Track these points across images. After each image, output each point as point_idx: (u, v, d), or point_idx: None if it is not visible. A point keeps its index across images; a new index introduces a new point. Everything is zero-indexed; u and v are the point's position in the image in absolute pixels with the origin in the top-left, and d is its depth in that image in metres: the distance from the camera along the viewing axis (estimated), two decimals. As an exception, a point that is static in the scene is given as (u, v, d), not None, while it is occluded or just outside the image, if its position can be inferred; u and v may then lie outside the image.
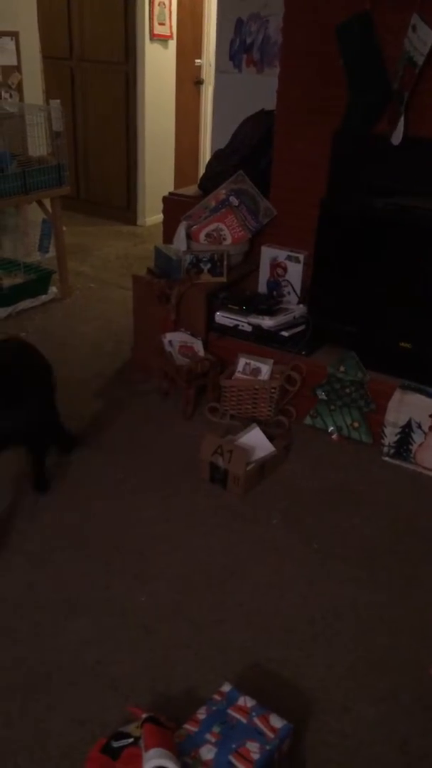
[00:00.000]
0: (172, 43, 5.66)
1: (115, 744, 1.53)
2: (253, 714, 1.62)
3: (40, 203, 4.25)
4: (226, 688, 1.69)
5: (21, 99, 4.47)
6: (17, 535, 2.42)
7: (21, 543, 2.38)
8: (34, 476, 2.66)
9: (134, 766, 1.45)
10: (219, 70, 3.96)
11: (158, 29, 5.44)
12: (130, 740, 1.53)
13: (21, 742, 1.72)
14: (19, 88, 4.45)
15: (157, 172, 5.93)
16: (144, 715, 1.59)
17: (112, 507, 2.59)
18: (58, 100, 4.09)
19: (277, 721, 1.60)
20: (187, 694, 1.85)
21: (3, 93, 4.36)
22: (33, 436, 2.58)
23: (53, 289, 4.44)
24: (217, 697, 1.67)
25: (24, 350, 2.62)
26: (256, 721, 1.60)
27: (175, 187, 5.79)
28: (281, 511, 2.60)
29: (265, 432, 2.83)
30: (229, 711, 1.62)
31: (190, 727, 1.58)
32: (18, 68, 4.40)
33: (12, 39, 4.30)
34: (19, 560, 2.31)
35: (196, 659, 1.97)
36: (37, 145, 4.21)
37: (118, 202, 6.07)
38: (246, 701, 1.65)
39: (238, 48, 3.81)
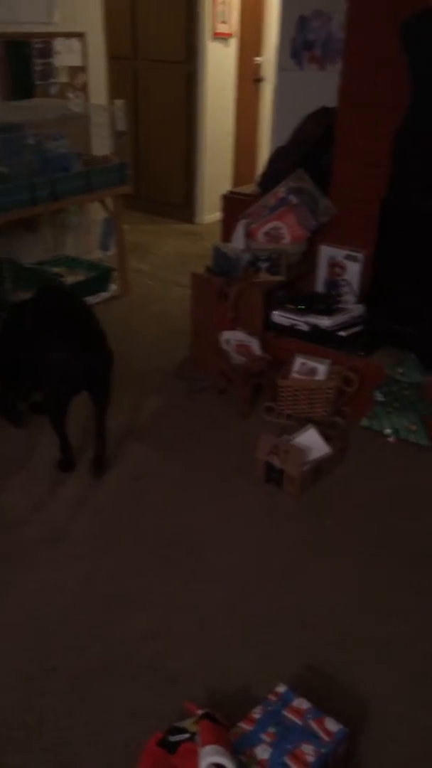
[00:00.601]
0: (233, 42, 5.66)
1: (172, 738, 1.56)
2: (309, 716, 1.62)
3: (102, 202, 4.33)
4: (282, 688, 1.70)
5: (86, 99, 4.55)
6: (77, 527, 2.48)
7: (82, 535, 2.44)
8: (96, 446, 2.76)
9: (190, 762, 1.47)
10: (280, 68, 3.95)
11: (220, 28, 5.46)
12: (187, 735, 1.56)
13: (80, 731, 1.77)
14: (85, 88, 4.52)
15: (216, 170, 5.95)
16: (200, 712, 1.62)
17: (169, 503, 2.63)
18: (122, 100, 4.15)
19: (332, 725, 1.61)
20: (242, 693, 1.87)
21: (69, 93, 4.44)
22: (103, 378, 2.69)
23: (113, 287, 4.51)
24: (272, 697, 1.68)
25: (75, 295, 2.85)
26: (312, 723, 1.60)
27: (233, 185, 5.80)
28: (337, 513, 2.59)
29: (321, 433, 2.82)
30: (285, 712, 1.63)
31: (245, 726, 1.60)
32: (84, 69, 4.48)
33: (79, 40, 4.37)
34: (79, 552, 2.37)
35: (250, 658, 1.99)
36: (101, 145, 4.28)
37: (177, 200, 6.11)
38: (301, 703, 1.66)
39: (300, 45, 3.79)
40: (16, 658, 1.97)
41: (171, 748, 1.54)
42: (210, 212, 5.97)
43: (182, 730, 1.57)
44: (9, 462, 2.83)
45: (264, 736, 1.57)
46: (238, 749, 1.53)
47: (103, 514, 2.56)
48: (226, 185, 5.74)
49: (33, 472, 2.77)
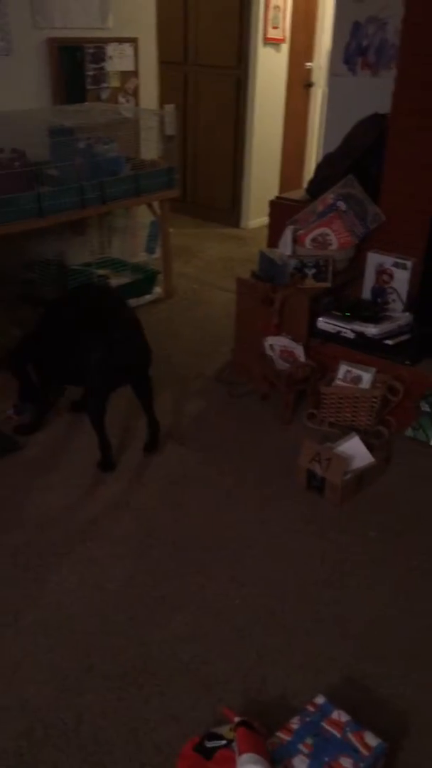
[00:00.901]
0: (285, 47, 5.66)
1: (209, 744, 1.55)
2: (348, 729, 1.59)
3: (150, 205, 4.36)
4: (320, 700, 1.68)
5: (137, 103, 4.59)
6: (115, 527, 2.49)
7: (120, 536, 2.45)
8: (149, 431, 2.90)
9: (227, 768, 1.46)
10: (333, 73, 3.92)
11: (271, 33, 5.46)
12: (223, 742, 1.54)
13: (116, 731, 1.78)
14: (136, 93, 4.57)
15: (263, 175, 5.94)
16: (237, 719, 1.60)
17: (208, 507, 2.62)
18: (173, 105, 4.18)
19: (372, 740, 1.58)
20: (279, 702, 1.85)
21: (120, 98, 4.49)
22: (142, 372, 2.79)
23: (157, 290, 4.54)
24: (310, 708, 1.66)
25: (112, 291, 2.97)
26: (351, 737, 1.58)
27: (280, 190, 5.79)
28: (379, 523, 2.55)
29: (364, 441, 2.78)
30: (323, 724, 1.61)
31: (283, 736, 1.58)
32: (135, 74, 4.52)
33: (131, 45, 4.42)
34: (118, 552, 2.38)
35: (288, 667, 1.97)
36: (150, 149, 4.32)
37: (223, 204, 6.13)
38: (340, 715, 1.63)
39: (353, 51, 3.76)
40: (53, 655, 1.98)
41: (207, 753, 1.53)
42: (256, 217, 5.97)
43: (219, 737, 1.56)
44: (49, 460, 2.86)
45: (302, 747, 1.55)
46: (276, 759, 1.51)
47: (141, 515, 2.57)
48: (272, 190, 5.73)
49: (73, 471, 2.79)
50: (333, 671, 1.96)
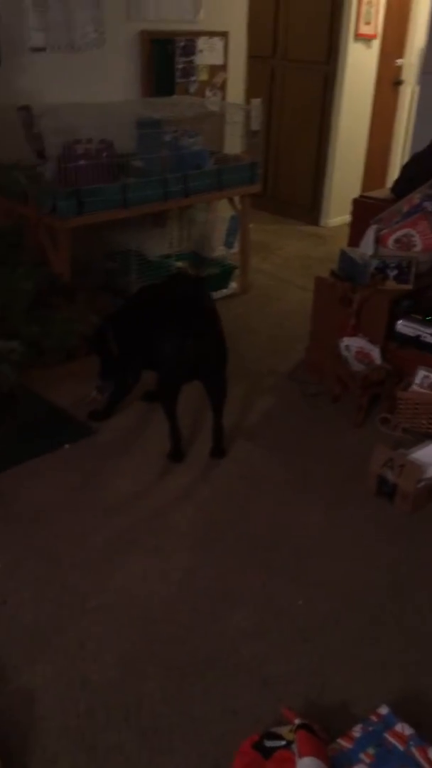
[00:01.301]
0: (376, 43, 5.55)
1: (268, 743, 1.54)
2: (411, 743, 1.56)
3: (231, 200, 4.36)
4: (384, 710, 1.65)
5: (223, 97, 4.60)
6: (182, 518, 2.51)
7: (186, 528, 2.47)
8: (214, 437, 2.85)
9: (287, 770, 1.45)
10: (425, 72, 3.83)
11: (363, 29, 5.36)
12: (283, 743, 1.54)
13: (176, 719, 1.79)
14: (223, 86, 4.57)
15: (345, 173, 5.85)
16: (298, 721, 1.59)
17: (274, 505, 2.61)
18: (260, 100, 4.16)
19: (436, 756, 1.54)
20: (340, 708, 1.83)
21: (207, 91, 4.50)
22: (216, 370, 2.76)
23: (233, 285, 4.54)
24: (373, 718, 1.63)
25: (201, 286, 2.99)
26: (414, 751, 1.54)
27: (362, 189, 5.69)
28: (451, 535, 2.49)
29: (439, 450, 2.71)
30: (386, 735, 1.58)
31: (344, 743, 1.56)
32: (224, 67, 4.52)
33: (221, 39, 4.43)
34: (183, 544, 2.40)
35: (351, 674, 1.94)
36: (234, 143, 4.31)
37: (303, 201, 6.07)
38: (404, 728, 1.60)
39: (450, 48, 3.66)
40: (117, 639, 2.02)
41: (266, 752, 1.52)
42: (336, 215, 5.89)
43: (279, 737, 1.56)
44: (120, 447, 2.91)
45: (363, 756, 1.53)
46: (335, 766, 1.50)
47: (207, 509, 2.58)
48: (355, 189, 5.64)
49: (143, 460, 2.83)
50: (397, 682, 1.92)
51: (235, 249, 4.59)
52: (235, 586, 2.23)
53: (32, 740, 1.73)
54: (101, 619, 2.08)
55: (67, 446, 2.87)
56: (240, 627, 2.08)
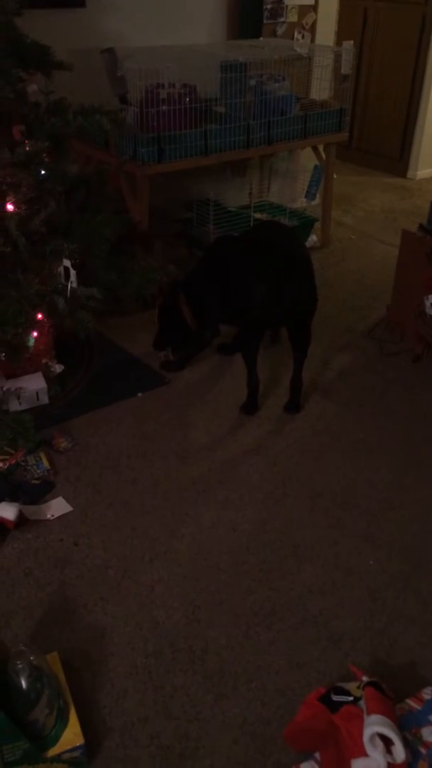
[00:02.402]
0: None
1: (335, 698, 1.53)
2: None
3: (315, 149, 4.21)
4: (456, 676, 1.60)
5: (313, 40, 4.40)
6: (255, 471, 2.50)
7: (257, 481, 2.46)
8: (292, 389, 2.85)
9: (354, 725, 1.44)
10: None
11: (467, -36, 4.99)
12: (350, 698, 1.52)
13: (241, 667, 1.81)
14: (312, 28, 4.37)
15: (438, 123, 5.55)
16: (365, 678, 1.57)
17: (347, 463, 2.56)
18: (351, 42, 3.96)
19: None
20: (408, 669, 1.80)
21: (296, 33, 4.32)
22: (303, 317, 2.75)
23: (313, 237, 4.42)
24: (444, 682, 1.59)
25: (294, 234, 3.04)
26: None
27: (456, 140, 5.39)
28: None
29: None
30: (457, 700, 1.54)
31: (413, 704, 1.53)
32: (314, 8, 4.32)
33: (313, -23, 4.22)
34: (254, 496, 2.39)
35: (420, 636, 1.90)
36: (321, 88, 4.14)
37: (391, 152, 5.80)
38: None
39: None
40: (186, 584, 2.04)
41: (333, 706, 1.51)
42: (426, 167, 5.62)
43: (346, 692, 1.54)
44: (195, 399, 2.91)
45: (432, 719, 1.50)
46: (403, 726, 1.48)
47: (279, 463, 2.55)
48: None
49: (216, 412, 2.82)
50: (468, 649, 1.87)
51: (317, 201, 4.45)
52: (304, 542, 2.21)
53: (102, 676, 1.78)
54: (170, 565, 2.11)
55: (140, 395, 2.89)
56: (308, 582, 2.06)
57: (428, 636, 1.90)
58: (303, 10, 4.29)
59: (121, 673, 1.79)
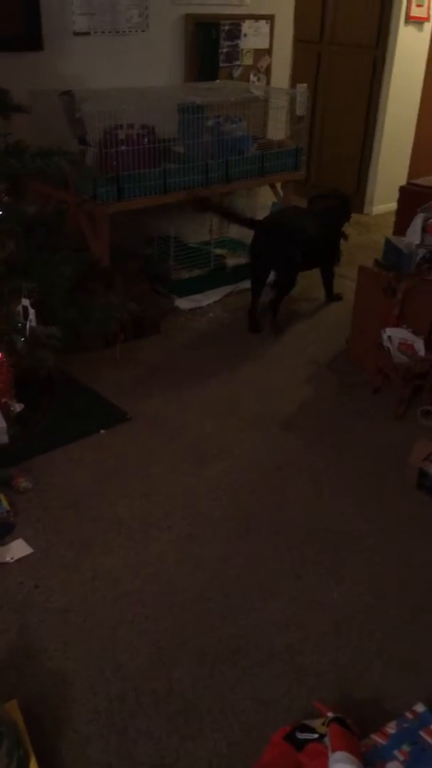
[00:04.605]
0: (428, 26, 5.39)
1: (300, 736, 1.52)
2: (447, 743, 1.52)
3: (273, 186, 4.30)
4: (420, 708, 1.61)
5: (268, 82, 4.53)
6: (218, 507, 2.49)
7: (220, 517, 2.45)
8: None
9: (319, 763, 1.42)
10: None
11: (415, 11, 5.20)
12: (315, 736, 1.51)
13: (206, 707, 1.78)
14: (268, 71, 4.51)
15: (392, 160, 5.72)
16: (330, 714, 1.56)
17: (310, 496, 2.57)
18: (305, 85, 4.08)
19: (473, 758, 1.49)
20: (373, 704, 1.79)
21: (252, 76, 4.44)
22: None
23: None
24: (409, 715, 1.59)
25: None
26: (450, 751, 1.50)
27: (409, 176, 5.56)
28: None
29: None
30: (421, 733, 1.54)
31: (378, 739, 1.53)
32: (269, 52, 4.46)
33: (267, 23, 4.36)
34: (218, 533, 2.38)
35: (385, 669, 1.90)
36: (277, 129, 4.25)
37: (348, 189, 5.94)
38: (440, 727, 1.56)
39: None
40: (149, 624, 2.01)
41: (298, 744, 1.50)
42: (380, 203, 5.77)
43: (311, 729, 1.53)
44: (156, 436, 2.90)
45: (397, 753, 1.49)
46: (368, 761, 1.47)
47: (242, 498, 2.55)
48: (402, 176, 5.51)
49: (178, 448, 2.81)
50: (431, 680, 1.88)
51: (277, 237, 4.52)
52: (268, 577, 2.20)
53: (64, 723, 1.73)
54: (134, 605, 2.08)
55: (102, 432, 2.88)
56: (273, 618, 2.05)
57: (392, 669, 1.90)
58: (258, 53, 4.43)
59: (84, 719, 1.75)
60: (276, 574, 2.21)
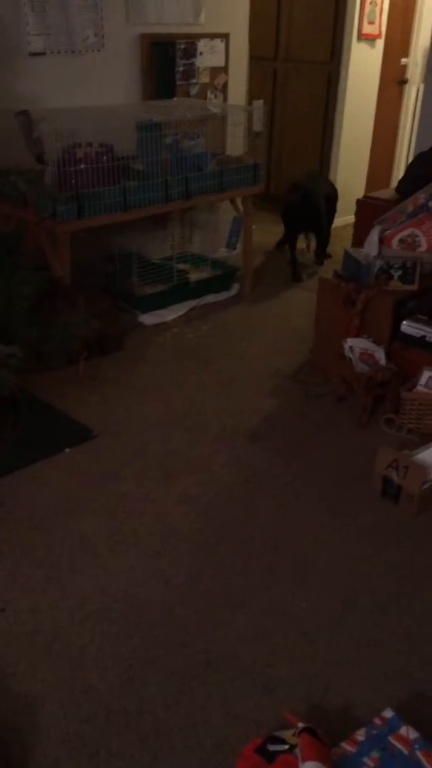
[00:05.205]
0: (380, 43, 5.52)
1: (271, 747, 1.52)
2: (416, 747, 1.54)
3: (233, 201, 4.34)
4: (388, 714, 1.62)
5: (225, 99, 4.58)
6: (186, 521, 2.49)
7: (190, 531, 2.45)
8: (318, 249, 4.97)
9: (289, 775, 1.43)
10: (430, 71, 3.80)
11: (367, 28, 5.33)
12: (286, 747, 1.52)
13: (177, 724, 1.77)
14: (224, 88, 4.56)
15: (349, 173, 5.83)
16: (301, 725, 1.57)
17: (277, 507, 2.59)
18: (262, 101, 4.15)
19: (441, 761, 1.51)
20: (344, 711, 1.80)
21: (209, 93, 4.49)
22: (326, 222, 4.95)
23: (236, 286, 4.52)
24: (377, 721, 1.60)
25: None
26: (419, 754, 1.52)
27: (366, 189, 5.66)
28: (457, 536, 2.46)
29: (445, 451, 2.68)
30: (390, 738, 1.55)
31: (347, 747, 1.53)
32: (225, 69, 4.51)
33: (222, 41, 4.42)
34: (186, 547, 2.38)
35: (354, 677, 1.91)
36: (236, 145, 4.30)
37: (307, 202, 6.03)
38: (408, 732, 1.57)
39: (452, 46, 3.63)
40: (118, 643, 2.00)
41: (269, 756, 1.50)
42: (339, 216, 5.84)
43: (281, 741, 1.53)
44: (121, 452, 2.89)
45: (367, 761, 1.50)
46: (338, 770, 1.47)
47: (210, 512, 2.56)
48: (359, 189, 5.61)
49: (144, 464, 2.81)
50: (401, 684, 1.89)
51: (238, 250, 4.57)
52: (237, 590, 2.21)
53: (34, 747, 1.71)
54: (102, 624, 2.06)
55: (67, 450, 2.86)
56: (242, 631, 2.05)
57: (361, 676, 1.92)
58: (214, 71, 4.48)
59: (54, 742, 1.73)
60: (245, 587, 2.22)
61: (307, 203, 4.68)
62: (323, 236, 5.03)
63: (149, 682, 1.89)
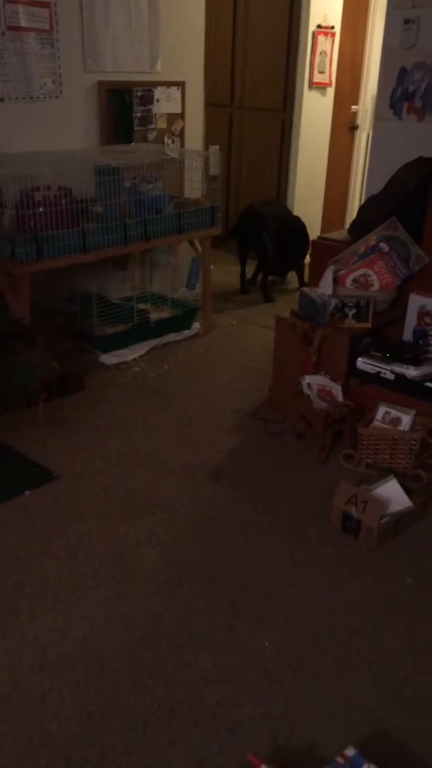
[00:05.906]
0: (330, 91, 5.74)
1: (234, 792, 1.50)
2: (379, 785, 1.53)
3: (192, 242, 4.42)
4: (351, 752, 1.62)
5: (182, 144, 4.70)
6: (147, 562, 2.47)
7: (151, 572, 2.43)
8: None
9: None
10: (378, 118, 3.96)
11: (317, 77, 5.55)
12: (249, 791, 1.49)
13: (139, 772, 1.74)
14: (182, 134, 4.68)
15: (304, 216, 5.95)
16: (264, 767, 1.55)
17: (240, 545, 2.59)
18: (217, 146, 4.26)
19: (404, 798, 1.51)
20: (308, 751, 1.79)
21: (166, 139, 4.60)
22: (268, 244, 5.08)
23: (196, 325, 4.57)
24: (340, 759, 1.60)
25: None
26: (382, 793, 1.51)
27: (321, 231, 5.81)
28: (416, 570, 2.48)
29: (402, 485, 2.73)
30: (353, 777, 1.55)
31: (311, 788, 1.52)
32: (182, 115, 4.64)
33: (179, 89, 4.55)
34: (148, 588, 2.36)
35: (318, 715, 1.91)
36: (193, 188, 4.40)
37: (264, 243, 6.16)
38: (371, 770, 1.57)
39: (399, 96, 3.80)
40: (79, 690, 1.96)
41: (232, 802, 1.48)
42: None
43: (244, 785, 1.51)
44: (82, 493, 2.87)
45: (330, 801, 1.49)
46: None
47: (172, 551, 2.54)
48: (314, 231, 5.75)
49: (105, 505, 2.79)
50: (364, 722, 1.89)
51: (198, 290, 4.64)
52: (200, 630, 2.19)
53: (-11, 802, 1.66)
54: (63, 671, 2.02)
55: (27, 493, 2.83)
56: (205, 672, 2.03)
57: (325, 714, 1.91)
58: (171, 117, 4.60)
59: (12, 797, 1.67)
60: (208, 627, 2.20)
61: (250, 218, 4.99)
62: (265, 258, 5.16)
63: (111, 728, 1.85)
